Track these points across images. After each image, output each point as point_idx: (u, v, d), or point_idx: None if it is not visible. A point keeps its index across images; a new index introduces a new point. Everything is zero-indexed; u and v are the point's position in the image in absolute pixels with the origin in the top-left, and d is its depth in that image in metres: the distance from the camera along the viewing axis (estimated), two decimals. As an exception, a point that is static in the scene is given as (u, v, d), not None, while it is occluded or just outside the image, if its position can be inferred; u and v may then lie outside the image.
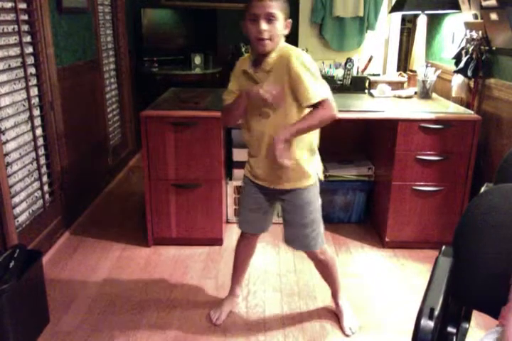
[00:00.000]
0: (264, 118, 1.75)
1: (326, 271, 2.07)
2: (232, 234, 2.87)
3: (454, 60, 2.94)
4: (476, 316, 1.55)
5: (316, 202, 1.89)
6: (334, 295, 2.13)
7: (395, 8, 3.42)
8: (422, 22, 3.24)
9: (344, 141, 3.23)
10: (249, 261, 2.18)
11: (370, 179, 3.00)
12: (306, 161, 1.80)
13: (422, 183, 2.59)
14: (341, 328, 2.05)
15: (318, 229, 1.91)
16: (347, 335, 2.02)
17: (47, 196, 2.68)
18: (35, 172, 2.55)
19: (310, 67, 1.65)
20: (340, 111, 1.73)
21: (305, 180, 1.83)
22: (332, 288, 2.12)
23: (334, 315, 2.13)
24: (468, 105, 2.85)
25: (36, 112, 2.58)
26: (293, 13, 4.95)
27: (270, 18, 1.63)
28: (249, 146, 1.88)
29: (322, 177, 1.91)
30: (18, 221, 2.35)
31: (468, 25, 2.83)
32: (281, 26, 1.66)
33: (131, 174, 4.00)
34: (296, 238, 1.93)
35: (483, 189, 1.62)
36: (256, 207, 1.96)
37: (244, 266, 2.18)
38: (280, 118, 1.72)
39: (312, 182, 1.85)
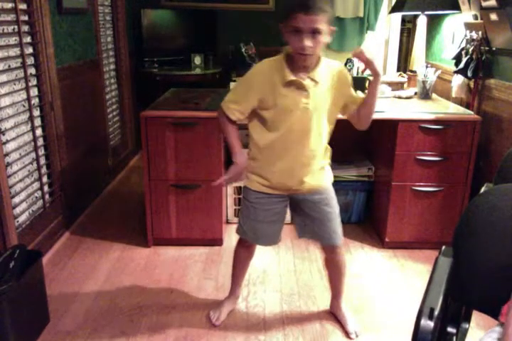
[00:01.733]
0: (308, 126, 1.75)
1: (336, 270, 2.05)
2: (232, 235, 2.87)
3: (454, 61, 2.94)
4: (476, 316, 1.55)
5: (334, 199, 1.93)
6: (337, 299, 2.11)
7: (394, 9, 3.42)
8: (421, 22, 3.25)
9: (344, 141, 3.22)
10: (249, 264, 2.17)
11: (370, 179, 3.00)
12: (329, 162, 1.91)
13: (421, 184, 2.59)
14: (346, 332, 2.03)
15: (340, 223, 1.95)
16: (351, 339, 2.00)
17: (47, 196, 2.68)
18: (35, 173, 2.55)
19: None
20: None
21: (328, 179, 1.91)
22: (337, 290, 2.10)
23: (334, 315, 2.13)
24: (468, 105, 2.85)
25: (36, 112, 2.58)
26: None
27: (315, 33, 1.57)
28: (271, 152, 1.80)
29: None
30: (18, 221, 2.35)
31: (468, 26, 2.83)
32: (325, 38, 1.62)
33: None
34: (325, 231, 1.91)
35: (483, 189, 1.62)
36: (274, 218, 1.93)
37: (244, 269, 2.17)
38: (321, 124, 1.78)
39: (331, 181, 1.93)
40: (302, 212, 1.93)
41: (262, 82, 1.72)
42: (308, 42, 1.57)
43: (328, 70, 1.73)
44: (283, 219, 1.97)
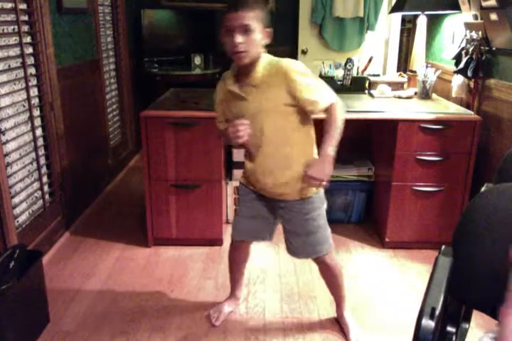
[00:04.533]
0: (265, 130, 1.70)
1: (332, 279, 2.00)
2: (232, 235, 2.87)
3: (454, 61, 2.94)
4: (476, 316, 1.55)
5: (319, 208, 1.83)
6: (339, 306, 2.08)
7: (394, 9, 3.42)
8: (422, 22, 3.24)
9: (344, 141, 3.23)
10: (245, 266, 2.16)
11: (370, 179, 3.00)
12: None
13: (422, 183, 2.59)
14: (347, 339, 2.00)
15: (324, 235, 1.86)
16: None
17: (47, 196, 2.68)
18: (35, 173, 2.55)
19: (307, 74, 1.64)
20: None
21: (310, 189, 1.78)
22: (337, 297, 2.06)
23: (338, 323, 2.10)
24: (468, 105, 2.85)
25: (36, 112, 2.58)
26: (293, 14, 4.96)
27: (246, 30, 1.56)
28: (250, 158, 1.82)
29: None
30: (18, 221, 2.35)
31: (468, 26, 2.83)
32: (259, 37, 1.59)
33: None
34: (303, 245, 1.86)
35: (483, 189, 1.62)
36: (254, 214, 1.90)
37: (240, 272, 2.17)
38: (281, 126, 1.70)
39: (318, 191, 1.82)
40: (283, 226, 1.90)
41: (221, 95, 1.80)
42: (238, 39, 1.56)
43: (268, 69, 1.65)
44: (266, 217, 1.90)
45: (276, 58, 1.69)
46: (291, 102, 1.65)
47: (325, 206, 1.87)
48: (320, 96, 1.64)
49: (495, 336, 1.12)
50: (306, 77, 1.63)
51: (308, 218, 1.81)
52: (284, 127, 1.70)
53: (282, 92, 1.64)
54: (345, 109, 1.70)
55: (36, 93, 2.57)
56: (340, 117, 1.66)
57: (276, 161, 1.74)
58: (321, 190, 1.83)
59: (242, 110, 1.71)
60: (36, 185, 2.56)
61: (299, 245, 1.88)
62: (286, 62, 1.64)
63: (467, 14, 2.85)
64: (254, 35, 1.58)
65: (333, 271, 1.97)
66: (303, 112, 1.69)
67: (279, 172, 1.75)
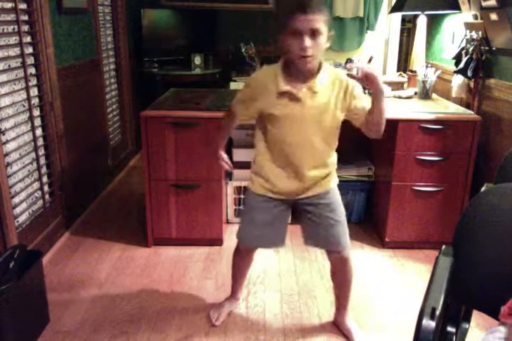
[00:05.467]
0: (307, 136, 1.72)
1: (345, 283, 1.99)
2: (232, 235, 2.85)
3: (454, 61, 2.94)
4: (476, 316, 1.55)
5: (340, 200, 1.89)
6: (341, 311, 2.04)
7: (394, 9, 3.42)
8: (422, 22, 3.25)
9: (344, 141, 3.23)
10: (248, 270, 2.16)
11: (370, 179, 3.00)
12: (335, 162, 1.86)
13: (421, 183, 2.59)
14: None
15: (345, 226, 1.89)
16: None
17: (47, 196, 2.68)
18: (35, 173, 2.55)
19: (361, 90, 1.73)
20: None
21: (331, 181, 1.85)
22: (342, 301, 2.03)
23: (338, 328, 2.07)
24: (468, 105, 2.85)
25: (36, 112, 2.58)
26: (293, 14, 4.87)
27: (314, 34, 1.53)
28: (276, 156, 1.77)
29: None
30: (18, 221, 2.35)
31: (468, 26, 2.83)
32: (324, 40, 1.58)
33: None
34: (329, 238, 1.86)
35: (483, 189, 1.62)
36: (272, 222, 1.88)
37: (243, 275, 2.17)
38: (323, 134, 1.73)
39: (336, 184, 1.88)
40: (306, 218, 1.88)
41: (260, 93, 1.71)
42: (308, 43, 1.53)
43: (330, 79, 1.67)
44: (283, 223, 1.91)
45: (333, 68, 1.74)
46: (340, 112, 1.69)
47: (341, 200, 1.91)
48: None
49: (501, 336, 1.12)
50: (360, 91, 1.72)
51: (332, 208, 1.84)
52: (326, 134, 1.73)
53: (339, 103, 1.68)
54: None
55: (36, 93, 2.57)
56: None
57: (316, 164, 1.77)
58: (337, 186, 1.89)
59: (293, 112, 1.68)
60: (36, 185, 2.56)
61: (325, 237, 1.87)
62: (345, 76, 1.70)
63: (467, 14, 2.85)
64: (321, 38, 1.56)
65: (349, 267, 1.96)
66: (339, 125, 1.75)
67: (314, 174, 1.77)
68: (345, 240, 1.88)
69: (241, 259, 2.08)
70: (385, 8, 4.40)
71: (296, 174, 1.77)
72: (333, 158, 1.83)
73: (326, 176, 1.82)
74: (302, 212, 1.89)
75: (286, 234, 1.95)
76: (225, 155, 1.97)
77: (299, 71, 1.64)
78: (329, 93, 1.67)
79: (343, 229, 1.87)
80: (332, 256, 1.93)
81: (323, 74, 1.66)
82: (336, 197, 1.87)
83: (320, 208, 1.84)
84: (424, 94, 2.92)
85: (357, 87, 1.70)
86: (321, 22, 1.54)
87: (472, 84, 2.83)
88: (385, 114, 1.69)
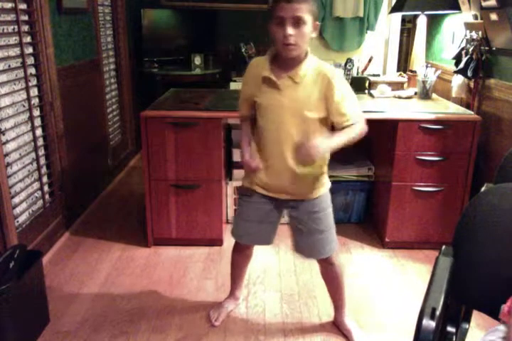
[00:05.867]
0: (285, 128, 1.69)
1: (334, 280, 1.98)
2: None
3: (454, 61, 2.94)
4: (476, 316, 1.55)
5: (327, 208, 1.84)
6: (339, 311, 2.05)
7: (394, 9, 3.42)
8: (421, 22, 3.25)
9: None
10: (247, 268, 2.16)
11: (370, 179, 3.00)
12: (324, 172, 1.81)
13: (421, 184, 2.59)
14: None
15: (332, 233, 1.86)
16: None
17: (47, 196, 2.68)
18: (35, 173, 2.55)
19: (349, 90, 1.67)
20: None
21: (320, 189, 1.81)
22: (337, 301, 2.03)
23: (338, 328, 2.07)
24: (468, 105, 2.85)
25: (36, 112, 2.58)
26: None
27: (298, 22, 1.55)
28: (261, 149, 1.78)
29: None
30: (18, 221, 2.35)
31: (468, 26, 2.83)
32: (309, 30, 1.58)
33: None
34: (310, 246, 1.86)
35: (483, 189, 1.62)
36: (262, 219, 1.88)
37: (242, 273, 2.16)
38: (305, 127, 1.69)
39: (326, 190, 1.84)
40: (293, 225, 1.88)
41: (250, 79, 1.75)
42: (290, 31, 1.55)
43: (315, 72, 1.65)
44: (272, 221, 1.90)
45: (321, 61, 1.70)
46: (322, 108, 1.66)
47: (331, 208, 1.87)
48: (351, 111, 1.65)
49: (500, 335, 1.12)
50: (346, 89, 1.66)
51: (316, 217, 1.81)
52: (307, 129, 1.68)
53: (319, 97, 1.65)
54: (364, 130, 1.68)
55: (36, 93, 2.57)
56: (355, 134, 1.65)
57: (293, 161, 1.72)
58: (328, 191, 1.85)
59: (273, 100, 1.68)
60: (36, 185, 2.56)
61: (307, 245, 1.87)
62: (333, 69, 1.67)
63: (467, 14, 2.85)
64: (305, 27, 1.57)
65: (335, 271, 1.95)
66: (326, 120, 1.69)
67: (294, 172, 1.73)
68: (329, 249, 1.86)
69: (239, 254, 2.08)
70: (385, 8, 4.39)
71: (279, 168, 1.74)
72: (324, 162, 1.78)
73: (313, 180, 1.77)
74: (290, 218, 1.88)
75: (274, 233, 1.94)
76: (249, 159, 1.83)
77: (284, 60, 1.66)
78: (312, 86, 1.65)
79: (328, 238, 1.85)
80: (318, 260, 1.95)
81: (307, 65, 1.65)
82: (323, 206, 1.82)
83: (304, 215, 1.82)
84: (424, 94, 2.92)
85: (341, 87, 1.64)
86: (305, 11, 1.55)
87: (472, 84, 2.83)
88: (350, 141, 1.65)
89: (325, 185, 1.83)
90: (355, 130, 1.65)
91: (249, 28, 4.59)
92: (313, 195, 1.79)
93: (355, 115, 1.66)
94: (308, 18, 1.56)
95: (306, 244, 1.87)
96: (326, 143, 1.59)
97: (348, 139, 1.64)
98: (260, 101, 1.72)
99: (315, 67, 1.66)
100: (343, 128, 1.65)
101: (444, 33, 3.43)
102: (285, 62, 1.66)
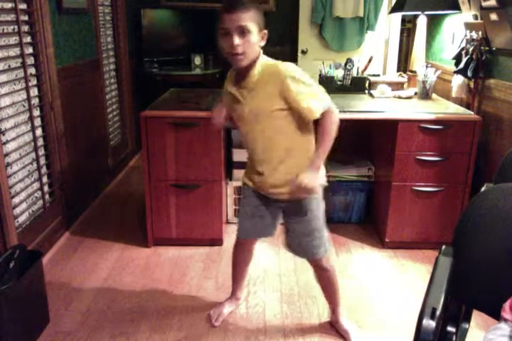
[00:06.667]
0: (259, 134, 1.71)
1: (327, 282, 1.98)
2: (232, 235, 2.85)
3: (454, 61, 2.94)
4: (476, 316, 1.55)
5: (317, 210, 1.82)
6: (335, 312, 2.05)
7: (394, 9, 3.42)
8: (422, 22, 3.24)
9: (344, 141, 3.24)
10: (248, 266, 2.16)
11: (370, 179, 3.00)
12: None
13: (422, 184, 2.59)
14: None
15: (320, 238, 1.85)
16: None
17: (47, 196, 2.68)
18: (35, 173, 2.55)
19: (303, 80, 1.60)
20: (340, 111, 1.69)
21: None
22: (332, 302, 2.03)
23: (335, 329, 2.07)
24: (468, 105, 2.85)
25: (36, 113, 2.58)
26: (293, 14, 4.97)
27: (243, 32, 1.55)
28: (248, 152, 1.83)
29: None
30: (18, 221, 2.35)
31: (468, 26, 2.83)
32: (255, 39, 1.58)
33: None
34: (298, 246, 1.88)
35: (483, 189, 1.62)
36: (256, 213, 1.90)
37: (244, 272, 2.17)
38: (280, 129, 1.69)
39: (316, 195, 1.80)
40: (284, 224, 1.91)
41: (224, 94, 1.80)
42: (236, 41, 1.55)
43: (266, 73, 1.63)
44: (270, 216, 1.90)
45: (272, 61, 1.67)
46: (284, 107, 1.64)
47: (322, 209, 1.84)
48: (313, 104, 1.60)
49: (502, 333, 1.11)
50: (301, 83, 1.59)
51: (303, 219, 1.81)
52: (283, 129, 1.68)
53: (276, 97, 1.62)
54: (337, 113, 1.66)
55: (36, 93, 2.57)
56: (333, 127, 1.64)
57: (276, 162, 1.73)
58: (319, 198, 1.82)
59: (240, 112, 1.73)
60: (36, 185, 2.56)
61: (296, 245, 1.89)
62: (283, 67, 1.60)
63: (467, 14, 2.85)
64: (251, 36, 1.57)
65: (327, 275, 1.95)
66: (291, 112, 1.66)
67: (278, 173, 1.74)
68: (317, 251, 1.85)
69: (239, 253, 2.08)
70: (385, 8, 4.40)
71: (264, 169, 1.76)
72: (303, 156, 1.73)
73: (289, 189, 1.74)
74: (283, 216, 1.91)
75: (272, 226, 1.94)
76: (215, 112, 1.86)
77: (239, 71, 1.68)
78: (266, 87, 1.63)
79: (315, 242, 1.84)
80: (311, 264, 1.95)
81: (257, 69, 1.64)
82: (312, 208, 1.80)
83: (292, 215, 1.84)
84: (424, 94, 2.92)
85: (294, 78, 1.58)
86: (248, 20, 1.55)
87: (472, 84, 2.83)
88: (331, 142, 1.65)
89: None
90: (328, 128, 1.63)
91: (249, 28, 4.58)
92: (299, 197, 1.76)
93: (319, 105, 1.61)
94: (252, 27, 1.56)
95: (293, 243, 1.90)
96: (313, 167, 1.63)
97: (329, 142, 1.63)
98: (233, 115, 1.78)
99: (265, 68, 1.64)
100: (313, 118, 1.65)
101: (444, 33, 3.43)
102: (240, 72, 1.68)
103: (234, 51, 1.57)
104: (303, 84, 1.59)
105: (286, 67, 1.61)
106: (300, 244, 1.86)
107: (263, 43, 1.64)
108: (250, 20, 1.55)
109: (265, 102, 1.65)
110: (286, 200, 1.80)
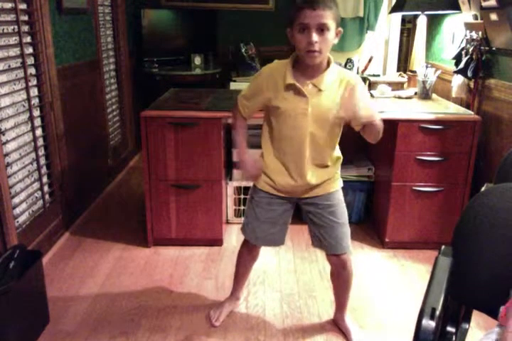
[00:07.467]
0: (308, 134, 1.72)
1: (342, 281, 1.99)
2: (232, 235, 2.87)
3: (454, 61, 2.94)
4: (476, 316, 1.55)
5: (342, 203, 1.89)
6: (341, 311, 2.05)
7: (394, 9, 3.42)
8: (421, 22, 3.25)
9: (344, 141, 3.23)
10: (252, 267, 2.16)
11: (370, 179, 3.00)
12: (338, 168, 1.86)
13: (421, 184, 2.59)
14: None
15: (348, 230, 1.89)
16: None
17: (47, 196, 2.68)
18: (35, 173, 2.55)
19: (367, 93, 1.72)
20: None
21: (336, 182, 1.86)
22: (341, 302, 2.04)
23: (338, 327, 2.08)
24: (468, 105, 2.85)
25: (36, 113, 2.58)
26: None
27: (322, 29, 1.55)
28: (278, 152, 1.79)
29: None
30: (18, 221, 2.35)
31: (468, 26, 2.83)
32: (332, 37, 1.59)
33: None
34: (330, 238, 1.86)
35: (483, 189, 1.62)
36: (275, 220, 1.90)
37: (247, 272, 2.16)
38: (328, 131, 1.74)
39: (339, 187, 1.88)
40: (309, 219, 1.90)
41: (267, 84, 1.72)
42: (315, 38, 1.55)
43: (337, 79, 1.67)
44: (285, 222, 1.93)
45: (344, 69, 1.75)
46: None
47: (344, 204, 1.90)
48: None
49: (496, 337, 1.12)
50: (367, 94, 1.71)
51: (333, 211, 1.84)
52: (331, 132, 1.74)
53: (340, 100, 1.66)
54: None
55: (36, 93, 2.57)
56: (380, 131, 1.72)
57: (317, 162, 1.77)
58: (340, 189, 1.89)
59: (297, 107, 1.68)
60: (36, 185, 2.56)
61: (331, 238, 1.86)
62: (355, 78, 1.69)
63: (467, 14, 2.85)
64: (329, 34, 1.58)
65: (347, 275, 1.96)
66: (342, 123, 1.75)
67: (316, 173, 1.78)
68: (347, 242, 1.88)
69: (248, 254, 2.07)
70: (385, 8, 4.40)
71: (296, 171, 1.77)
72: (335, 158, 1.83)
73: (328, 178, 1.82)
74: (305, 213, 1.91)
75: (286, 233, 1.96)
76: (249, 160, 1.86)
77: (307, 66, 1.65)
78: (335, 92, 1.67)
79: (344, 231, 1.87)
80: (332, 258, 1.93)
81: (331, 73, 1.67)
82: (338, 200, 1.86)
83: (320, 209, 1.84)
84: (424, 94, 2.92)
85: (363, 93, 1.64)
86: (329, 18, 1.55)
87: (472, 85, 2.83)
88: (380, 134, 1.71)
89: (339, 180, 1.88)
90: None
91: (249, 28, 4.59)
92: (329, 190, 1.83)
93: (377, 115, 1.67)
94: (332, 25, 1.57)
95: (325, 238, 1.87)
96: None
97: (381, 130, 1.70)
98: (283, 107, 1.70)
99: (338, 74, 1.69)
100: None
101: (444, 33, 3.43)
102: (308, 69, 1.66)
103: (311, 48, 1.57)
104: (368, 95, 1.72)
105: (358, 79, 1.70)
106: (336, 235, 1.85)
107: (337, 41, 1.64)
108: (331, 18, 1.56)
109: (332, 105, 1.66)
110: (315, 196, 1.83)
